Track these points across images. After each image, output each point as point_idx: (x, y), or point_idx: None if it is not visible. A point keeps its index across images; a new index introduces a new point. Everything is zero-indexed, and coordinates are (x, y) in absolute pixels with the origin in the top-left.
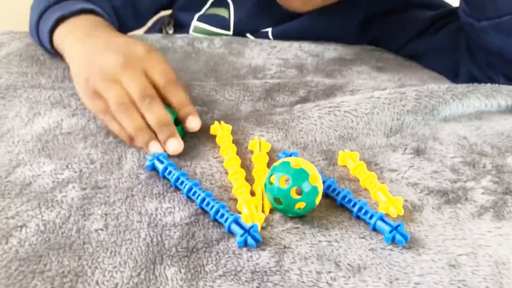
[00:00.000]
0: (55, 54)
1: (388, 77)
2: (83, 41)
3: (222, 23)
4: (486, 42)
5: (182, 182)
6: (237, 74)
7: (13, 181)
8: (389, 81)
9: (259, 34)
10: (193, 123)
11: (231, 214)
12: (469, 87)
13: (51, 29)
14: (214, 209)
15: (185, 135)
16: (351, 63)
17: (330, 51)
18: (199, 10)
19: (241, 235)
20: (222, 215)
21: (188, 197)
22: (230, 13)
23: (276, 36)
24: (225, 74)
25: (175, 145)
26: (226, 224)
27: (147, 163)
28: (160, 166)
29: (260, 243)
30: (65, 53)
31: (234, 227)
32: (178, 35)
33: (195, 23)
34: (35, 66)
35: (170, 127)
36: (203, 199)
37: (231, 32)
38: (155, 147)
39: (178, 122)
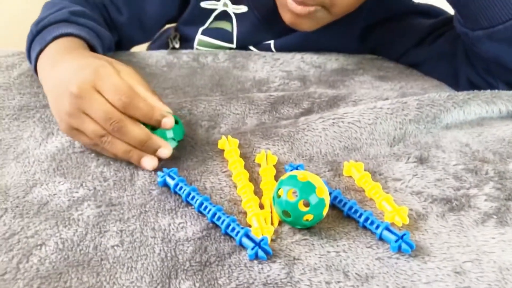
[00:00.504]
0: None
1: (390, 86)
2: (46, 77)
3: (226, 36)
4: (482, 50)
5: (193, 198)
6: (242, 88)
7: (30, 200)
8: (391, 90)
9: (261, 46)
10: (168, 124)
11: (242, 228)
12: (470, 94)
13: (34, 67)
14: (225, 223)
15: (184, 132)
16: (353, 73)
17: (332, 61)
18: (203, 24)
19: (252, 248)
20: (233, 229)
21: (200, 212)
22: (233, 27)
23: (279, 48)
24: (230, 88)
25: (164, 153)
26: (237, 238)
27: (159, 179)
28: (171, 182)
29: (270, 256)
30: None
31: (245, 241)
32: (183, 51)
33: (199, 36)
34: None
35: (150, 141)
36: (214, 214)
37: (234, 45)
38: (147, 163)
39: (176, 121)
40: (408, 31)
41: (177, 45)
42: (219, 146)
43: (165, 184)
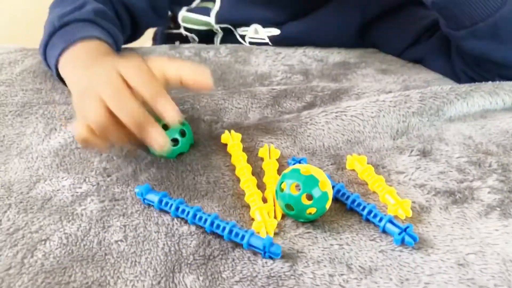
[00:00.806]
0: (62, 80)
1: (393, 79)
2: (77, 74)
3: (207, 12)
4: (468, 48)
5: (183, 211)
6: (244, 82)
7: (34, 196)
8: (394, 83)
9: (256, 39)
10: (170, 115)
11: (245, 231)
12: (472, 86)
13: (56, 61)
14: (226, 230)
15: (192, 142)
16: (355, 66)
17: (334, 55)
18: (190, 3)
19: (262, 249)
20: (237, 234)
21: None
22: (215, 4)
23: (275, 43)
24: (233, 83)
25: (158, 140)
26: (245, 242)
27: (142, 199)
28: (154, 199)
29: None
30: (67, 83)
31: (254, 241)
32: (185, 46)
33: (183, 13)
34: (48, 82)
35: (145, 121)
36: (212, 223)
37: (213, 21)
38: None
39: (184, 133)
40: (406, 26)
41: (172, 25)
42: (222, 141)
43: (149, 204)
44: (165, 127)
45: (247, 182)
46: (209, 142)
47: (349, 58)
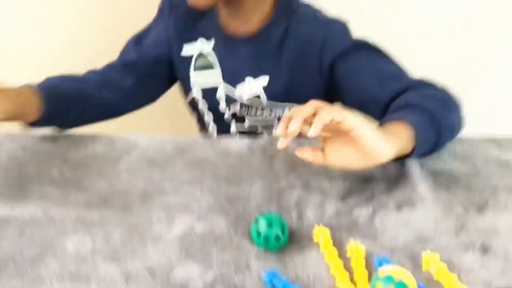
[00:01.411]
0: None
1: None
2: None
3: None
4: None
5: None
6: (313, 172)
7: (173, 282)
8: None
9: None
10: None
11: None
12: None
13: None
14: None
15: (288, 237)
16: None
17: None
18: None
19: None
20: None
21: None
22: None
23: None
24: (304, 172)
25: None
26: None
27: (265, 279)
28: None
29: None
30: None
31: None
32: (258, 137)
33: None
34: (157, 170)
35: None
36: None
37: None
38: None
39: (284, 230)
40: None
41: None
42: (315, 239)
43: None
44: (270, 224)
45: (342, 280)
46: (300, 236)
47: None
